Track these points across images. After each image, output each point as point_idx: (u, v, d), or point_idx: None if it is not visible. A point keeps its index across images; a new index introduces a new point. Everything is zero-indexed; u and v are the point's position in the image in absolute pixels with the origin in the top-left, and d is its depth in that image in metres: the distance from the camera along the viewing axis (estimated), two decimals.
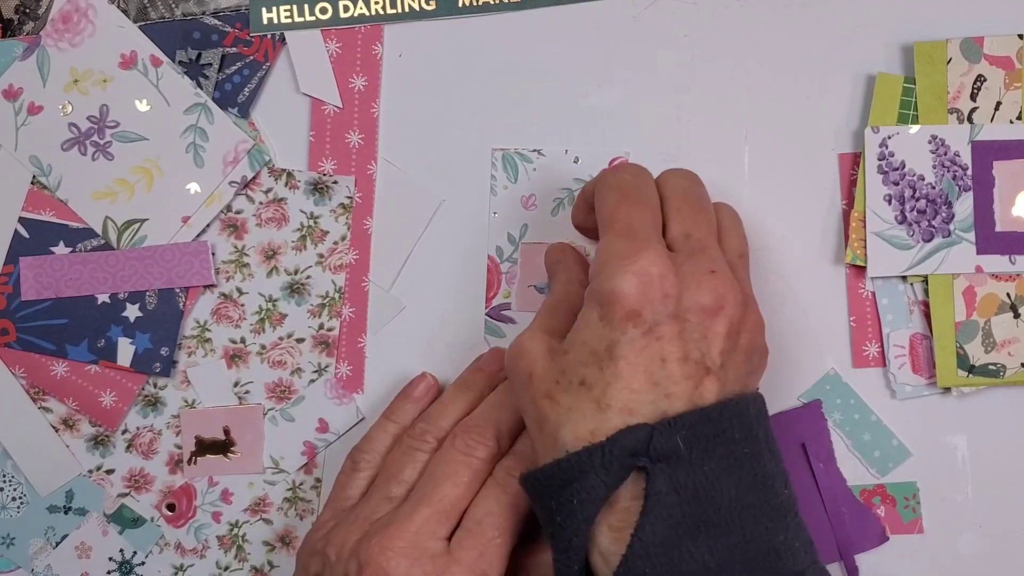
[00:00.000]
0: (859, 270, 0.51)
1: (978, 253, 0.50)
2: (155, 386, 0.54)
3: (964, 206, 0.50)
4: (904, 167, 0.50)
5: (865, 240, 0.50)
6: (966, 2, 0.51)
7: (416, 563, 0.41)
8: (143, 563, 0.54)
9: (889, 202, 0.50)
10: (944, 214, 0.50)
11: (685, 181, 0.45)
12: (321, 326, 0.53)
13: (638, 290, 0.38)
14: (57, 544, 0.54)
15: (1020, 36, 0.50)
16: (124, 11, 0.53)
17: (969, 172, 0.50)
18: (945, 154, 0.50)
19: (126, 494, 0.54)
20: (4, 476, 0.54)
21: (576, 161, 0.52)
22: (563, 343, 0.40)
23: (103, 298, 0.53)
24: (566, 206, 0.52)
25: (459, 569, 0.41)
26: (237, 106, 0.53)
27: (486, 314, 0.52)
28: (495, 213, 0.52)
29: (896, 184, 0.50)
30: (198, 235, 0.53)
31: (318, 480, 0.54)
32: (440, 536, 0.43)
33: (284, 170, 0.53)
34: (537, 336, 0.42)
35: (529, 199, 0.52)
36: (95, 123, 0.53)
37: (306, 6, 0.52)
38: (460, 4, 0.52)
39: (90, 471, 0.54)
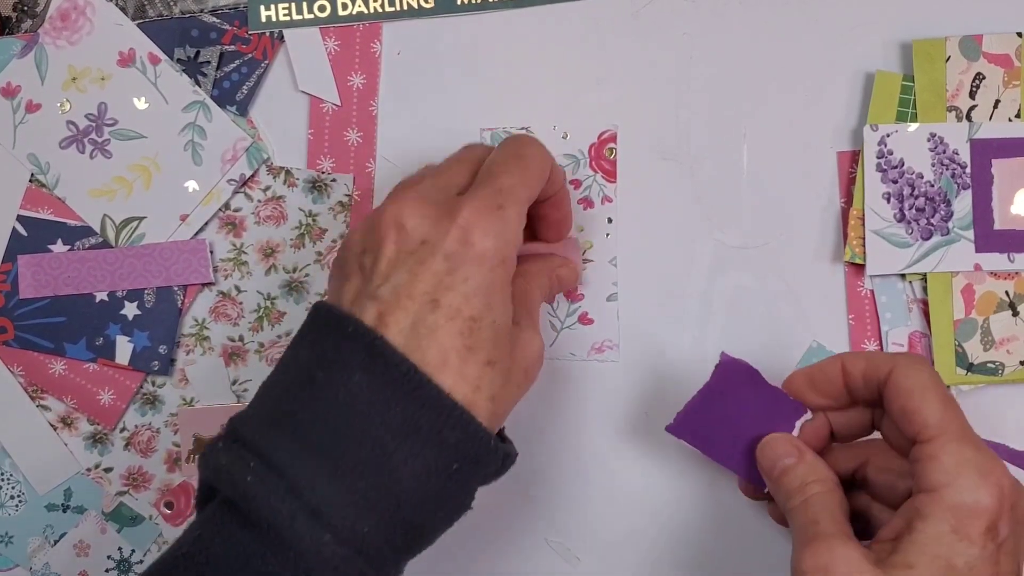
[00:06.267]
0: (858, 268, 0.51)
1: (977, 251, 0.50)
2: (153, 384, 0.54)
3: (963, 204, 0.50)
4: (903, 165, 0.50)
5: (864, 238, 0.50)
6: (965, 0, 0.50)
7: (422, 209, 0.40)
8: (141, 561, 0.54)
9: (888, 200, 0.50)
10: (943, 212, 0.50)
11: None
12: None
13: (998, 503, 0.37)
14: (55, 542, 0.54)
15: (1019, 34, 0.50)
16: (122, 9, 0.53)
17: (968, 170, 0.50)
18: (944, 152, 0.50)
19: (124, 492, 0.54)
20: (2, 474, 0.54)
21: (565, 137, 0.52)
22: (898, 556, 0.37)
23: (101, 296, 0.53)
24: None
25: (469, 203, 0.39)
26: (235, 104, 0.53)
27: None
28: None
29: (895, 182, 0.50)
30: (196, 233, 0.53)
31: None
32: (451, 191, 0.41)
33: (282, 168, 0.53)
34: (844, 546, 0.38)
35: None
36: (93, 121, 0.53)
37: (304, 4, 0.52)
38: (459, 2, 0.52)
39: (88, 469, 0.54)
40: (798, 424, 0.44)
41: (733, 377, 0.45)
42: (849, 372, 0.42)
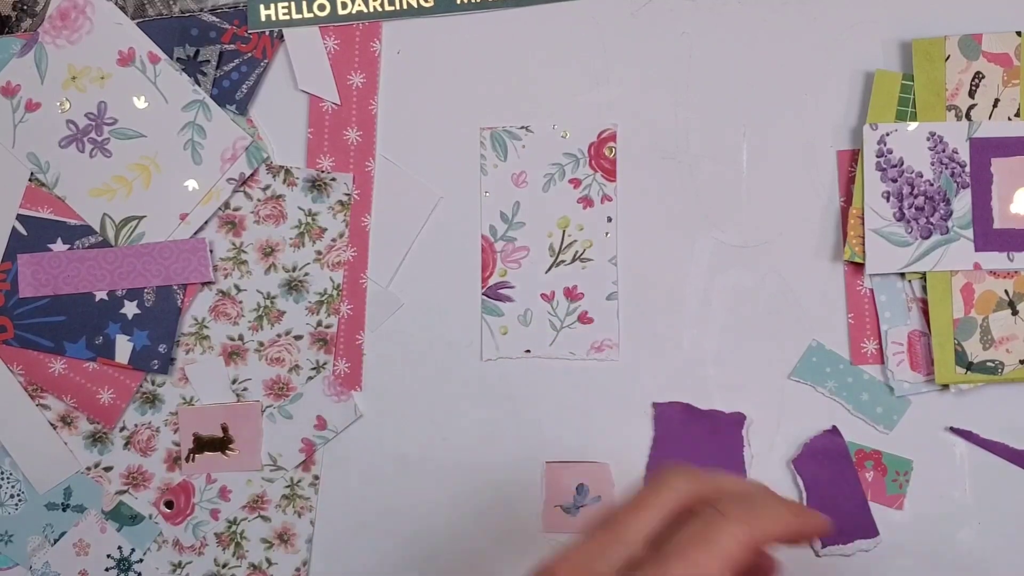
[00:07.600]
0: (857, 267, 0.51)
1: (976, 250, 0.50)
2: (153, 383, 0.54)
3: (962, 203, 0.50)
4: (902, 164, 0.50)
5: (863, 237, 0.50)
6: (965, 0, 0.51)
7: None
8: (141, 560, 0.54)
9: (887, 199, 0.50)
10: (942, 211, 0.50)
11: None
12: (319, 323, 0.53)
13: None
14: (55, 541, 0.54)
15: (1018, 33, 0.50)
16: (122, 8, 0.53)
17: (967, 169, 0.50)
18: (943, 151, 0.50)
19: (124, 491, 0.54)
20: (2, 473, 0.54)
21: (564, 136, 0.52)
22: None
23: (101, 295, 0.53)
24: (557, 181, 0.52)
25: None
26: (235, 103, 0.53)
27: (483, 294, 0.53)
28: (487, 192, 0.52)
29: (894, 181, 0.50)
30: (196, 232, 0.53)
31: (316, 477, 0.54)
32: (613, 561, 0.34)
33: (282, 167, 0.53)
34: None
35: (520, 176, 0.52)
36: (93, 120, 0.53)
37: (304, 3, 0.52)
38: (458, 1, 0.52)
39: (88, 468, 0.54)
40: (744, 432, 0.47)
41: (671, 418, 0.50)
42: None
